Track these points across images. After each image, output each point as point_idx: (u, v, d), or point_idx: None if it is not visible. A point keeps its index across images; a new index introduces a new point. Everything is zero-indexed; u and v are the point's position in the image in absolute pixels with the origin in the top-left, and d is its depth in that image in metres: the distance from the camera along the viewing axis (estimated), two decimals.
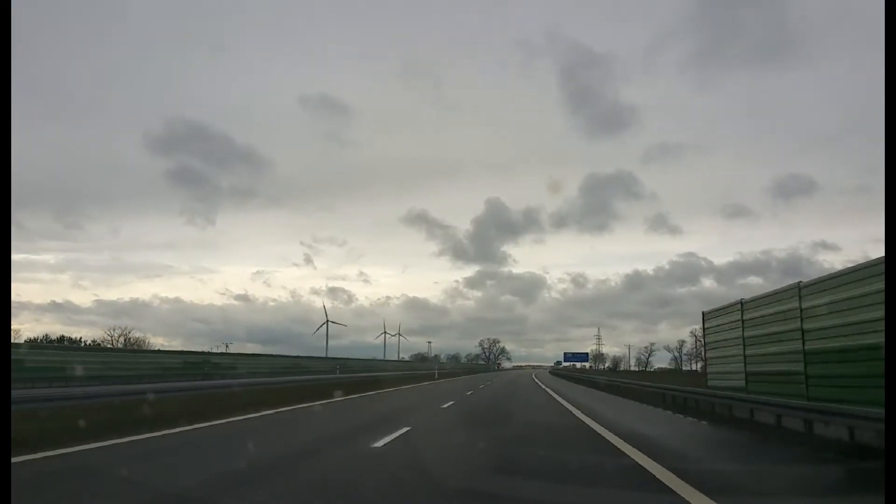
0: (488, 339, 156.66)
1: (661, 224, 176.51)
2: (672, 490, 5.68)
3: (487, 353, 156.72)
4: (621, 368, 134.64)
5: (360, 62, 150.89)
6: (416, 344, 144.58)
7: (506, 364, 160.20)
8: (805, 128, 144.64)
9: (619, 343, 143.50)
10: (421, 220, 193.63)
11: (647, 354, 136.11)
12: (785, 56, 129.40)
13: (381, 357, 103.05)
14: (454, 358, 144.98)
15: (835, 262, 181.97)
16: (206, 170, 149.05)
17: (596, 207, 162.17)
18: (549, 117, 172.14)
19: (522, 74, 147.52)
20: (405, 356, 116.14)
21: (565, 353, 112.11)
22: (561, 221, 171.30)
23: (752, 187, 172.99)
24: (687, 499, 5.28)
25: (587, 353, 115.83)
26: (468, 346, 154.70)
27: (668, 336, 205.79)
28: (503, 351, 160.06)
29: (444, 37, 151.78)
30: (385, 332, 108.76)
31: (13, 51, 4.85)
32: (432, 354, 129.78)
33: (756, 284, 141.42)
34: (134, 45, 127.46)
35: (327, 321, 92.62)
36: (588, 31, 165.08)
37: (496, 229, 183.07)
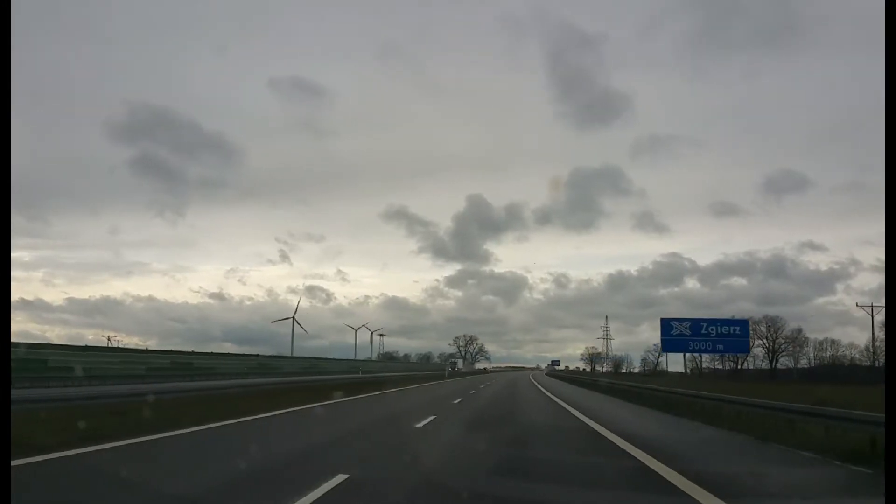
0: (464, 336, 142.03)
1: (647, 222, 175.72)
2: None
3: (463, 353, 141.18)
4: (623, 370, 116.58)
5: (334, 42, 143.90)
6: (396, 344, 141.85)
7: (480, 364, 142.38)
8: (801, 122, 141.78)
9: (596, 343, 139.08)
10: (401, 216, 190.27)
11: (655, 354, 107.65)
12: (785, 42, 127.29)
13: (357, 356, 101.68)
14: (425, 357, 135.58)
15: (820, 263, 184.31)
16: (173, 160, 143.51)
17: (581, 204, 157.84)
18: (535, 108, 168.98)
19: (508, 59, 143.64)
20: (375, 356, 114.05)
21: (663, 328, 41.33)
22: (545, 218, 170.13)
23: (742, 184, 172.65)
24: None
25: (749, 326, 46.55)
26: (450, 347, 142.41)
27: (650, 337, 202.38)
28: (481, 350, 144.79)
29: (423, 16, 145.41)
30: (356, 331, 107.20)
31: None
32: (384, 350, 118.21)
33: (739, 286, 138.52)
34: (93, 27, 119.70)
35: (294, 318, 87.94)
36: (578, 10, 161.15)
37: (478, 226, 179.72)
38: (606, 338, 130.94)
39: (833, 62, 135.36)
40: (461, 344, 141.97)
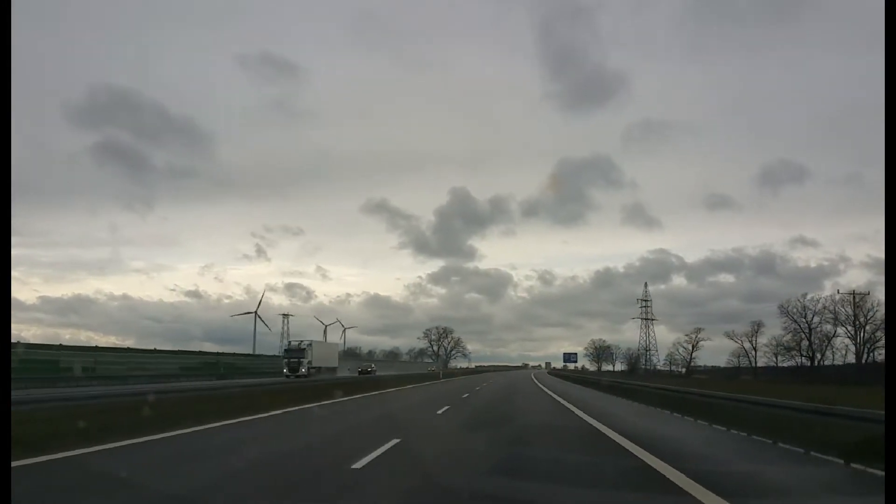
0: (437, 328, 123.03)
1: (636, 215, 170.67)
2: None
3: (436, 349, 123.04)
4: (641, 368, 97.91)
5: (306, 14, 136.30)
6: (380, 342, 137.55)
7: (459, 363, 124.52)
8: (800, 112, 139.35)
9: (581, 342, 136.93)
10: (382, 210, 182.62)
11: (690, 346, 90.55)
12: (785, 29, 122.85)
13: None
14: (392, 355, 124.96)
15: (811, 259, 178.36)
16: (142, 150, 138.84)
17: (569, 197, 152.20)
18: (522, 96, 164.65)
19: (494, 37, 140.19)
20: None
21: None
22: (531, 211, 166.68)
23: (735, 176, 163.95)
24: None
25: None
26: (420, 341, 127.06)
27: (637, 335, 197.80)
28: (458, 345, 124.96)
29: None
30: (326, 327, 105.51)
31: None
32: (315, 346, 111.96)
33: (727, 283, 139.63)
34: (50, 5, 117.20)
35: (256, 312, 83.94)
36: None
37: (462, 221, 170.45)
38: (646, 318, 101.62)
39: (832, 55, 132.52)
40: (433, 337, 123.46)
